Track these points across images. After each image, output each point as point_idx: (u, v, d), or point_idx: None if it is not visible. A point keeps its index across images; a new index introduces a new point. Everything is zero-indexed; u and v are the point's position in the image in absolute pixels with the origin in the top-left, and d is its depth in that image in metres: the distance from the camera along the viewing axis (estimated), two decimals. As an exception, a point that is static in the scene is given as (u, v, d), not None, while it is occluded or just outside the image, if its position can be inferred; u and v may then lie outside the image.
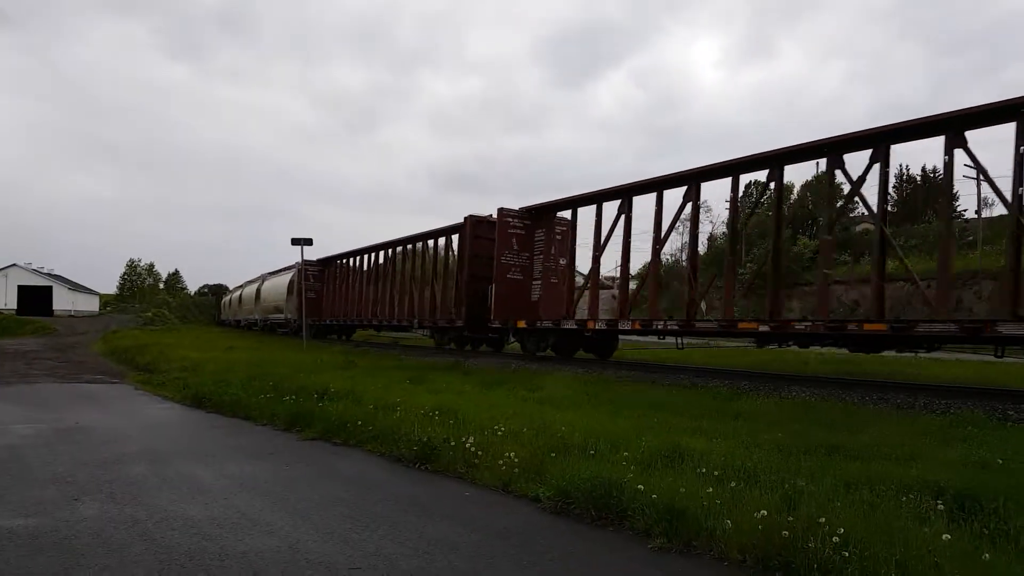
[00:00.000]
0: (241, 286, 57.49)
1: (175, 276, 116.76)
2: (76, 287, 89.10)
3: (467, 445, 6.46)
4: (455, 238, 24.11)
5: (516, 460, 5.89)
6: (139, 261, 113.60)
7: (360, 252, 32.95)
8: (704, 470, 5.27)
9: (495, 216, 21.54)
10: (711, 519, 4.27)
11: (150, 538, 4.42)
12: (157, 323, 54.77)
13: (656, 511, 4.49)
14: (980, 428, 7.46)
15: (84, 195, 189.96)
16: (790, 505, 4.37)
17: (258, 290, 47.35)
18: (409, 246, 27.99)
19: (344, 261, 35.34)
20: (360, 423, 7.95)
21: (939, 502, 4.42)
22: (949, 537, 3.66)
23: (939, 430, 7.33)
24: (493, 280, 20.80)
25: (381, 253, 30.73)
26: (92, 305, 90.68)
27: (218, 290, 79.03)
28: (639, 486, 4.81)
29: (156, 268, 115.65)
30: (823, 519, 3.96)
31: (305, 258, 33.16)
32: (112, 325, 49.19)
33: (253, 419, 9.63)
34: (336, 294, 35.55)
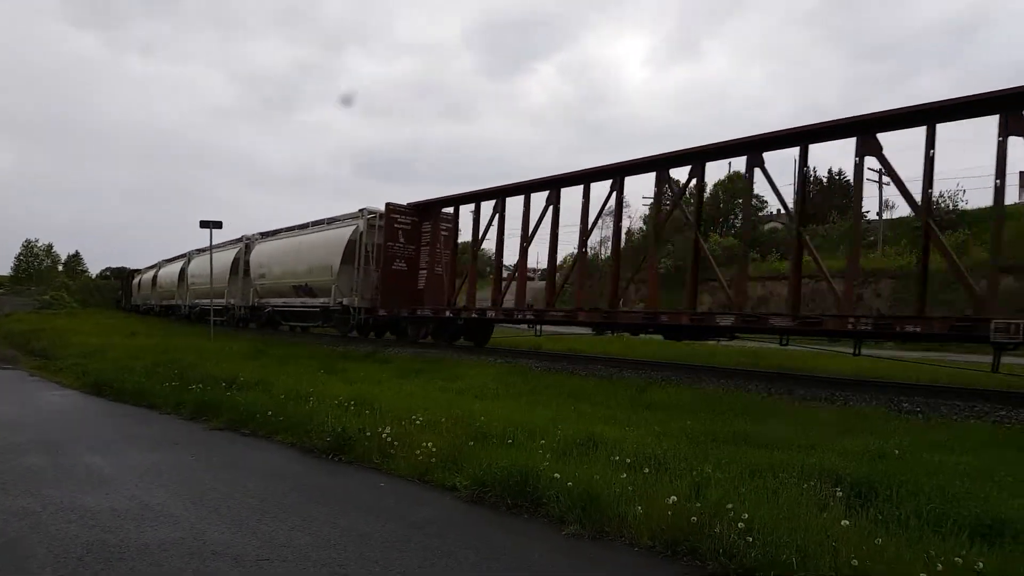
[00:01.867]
0: (181, 257, 40.47)
1: (75, 258, 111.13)
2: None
3: (383, 435, 6.38)
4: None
5: (433, 450, 5.86)
6: (36, 241, 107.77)
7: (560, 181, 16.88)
8: (617, 458, 5.35)
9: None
10: (623, 505, 4.36)
11: (44, 531, 4.21)
12: (56, 307, 52.19)
13: (570, 498, 4.55)
14: (878, 419, 7.80)
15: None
16: (698, 491, 4.49)
17: (243, 262, 30.11)
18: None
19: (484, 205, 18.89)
20: (270, 413, 7.77)
21: (838, 489, 4.60)
22: (848, 523, 3.82)
23: (839, 421, 7.63)
24: None
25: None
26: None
27: (121, 273, 75.15)
28: (555, 474, 4.86)
29: (55, 249, 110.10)
30: (729, 505, 4.08)
31: (391, 202, 20.97)
32: (6, 308, 46.64)
33: (157, 408, 9.30)
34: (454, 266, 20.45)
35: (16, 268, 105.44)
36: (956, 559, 3.39)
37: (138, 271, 56.95)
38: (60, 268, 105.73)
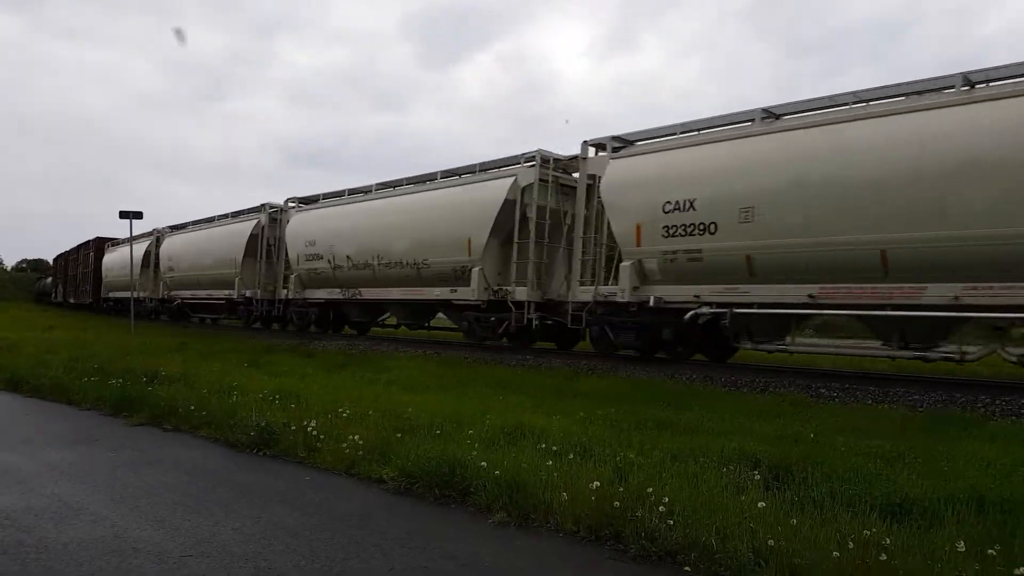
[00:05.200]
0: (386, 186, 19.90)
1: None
2: None
3: (309, 429, 6.32)
4: None
5: (360, 443, 5.83)
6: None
7: None
8: (544, 445, 5.43)
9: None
10: (548, 492, 4.42)
11: (-47, 533, 4.05)
12: (-35, 301, 49.77)
13: (497, 486, 4.59)
14: (795, 405, 8.06)
15: None
16: (621, 477, 4.59)
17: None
18: None
19: None
20: (193, 408, 7.60)
21: (756, 473, 4.76)
22: (764, 505, 3.96)
23: (759, 406, 7.87)
24: None
25: None
26: None
27: (38, 265, 71.70)
28: (482, 463, 4.91)
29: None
30: (651, 489, 4.19)
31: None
32: (-90, 303, 44.35)
33: (76, 403, 9.00)
34: None
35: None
36: (865, 532, 3.55)
37: (111, 244, 37.66)
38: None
